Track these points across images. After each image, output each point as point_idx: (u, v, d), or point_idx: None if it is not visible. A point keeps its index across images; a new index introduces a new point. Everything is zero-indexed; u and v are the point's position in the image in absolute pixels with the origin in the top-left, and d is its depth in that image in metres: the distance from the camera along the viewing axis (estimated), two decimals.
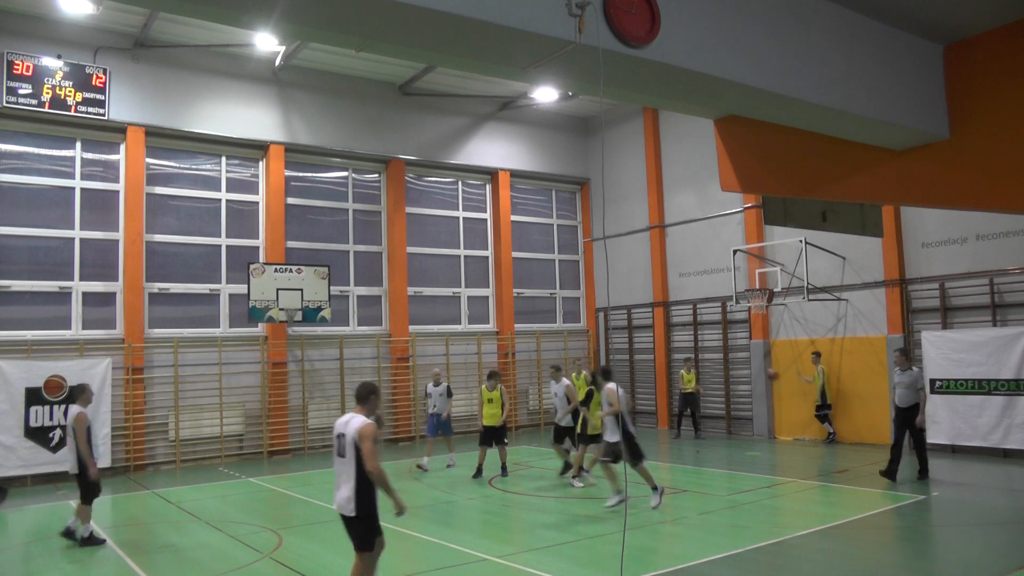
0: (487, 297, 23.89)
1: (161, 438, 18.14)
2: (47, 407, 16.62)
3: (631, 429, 12.25)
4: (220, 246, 19.61)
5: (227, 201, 19.83)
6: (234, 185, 19.98)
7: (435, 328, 22.47)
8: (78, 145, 18.18)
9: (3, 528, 12.03)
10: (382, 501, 7.14)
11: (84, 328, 17.88)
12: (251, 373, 19.20)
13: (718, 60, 7.31)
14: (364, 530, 7.14)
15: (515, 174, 24.36)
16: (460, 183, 23.74)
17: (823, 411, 18.68)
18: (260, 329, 19.59)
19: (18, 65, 16.77)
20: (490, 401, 15.50)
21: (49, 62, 17.07)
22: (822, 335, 19.17)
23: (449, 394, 16.73)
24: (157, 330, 18.53)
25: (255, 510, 13.17)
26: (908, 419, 13.53)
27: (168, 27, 18.08)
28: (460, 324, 23.25)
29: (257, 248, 20.01)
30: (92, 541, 10.78)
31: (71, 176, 18.10)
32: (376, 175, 22.12)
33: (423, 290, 22.49)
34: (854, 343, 18.41)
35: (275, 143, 20.03)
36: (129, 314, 17.99)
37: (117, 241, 18.33)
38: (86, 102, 17.47)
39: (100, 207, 18.34)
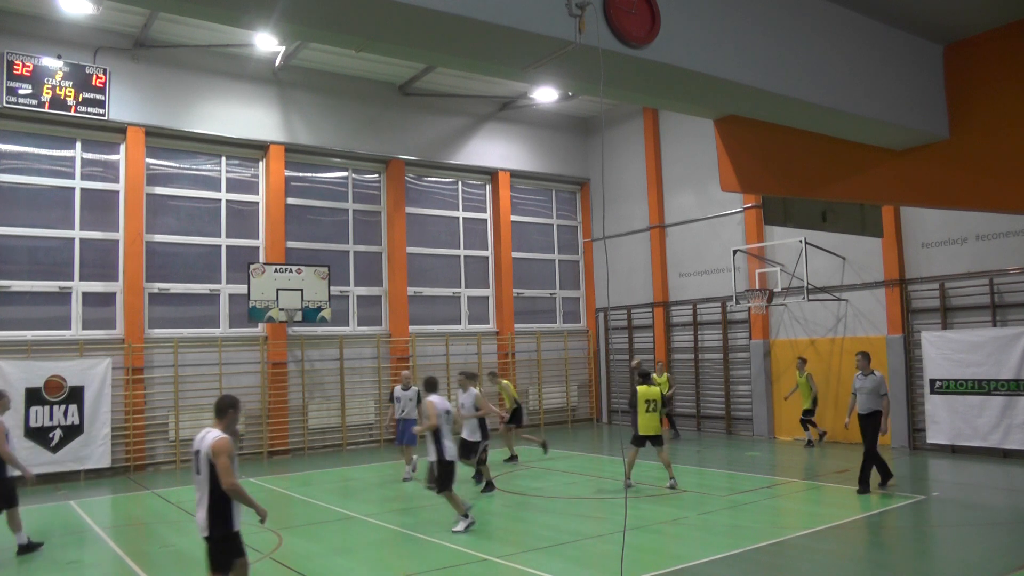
0: (487, 297, 23.89)
1: (161, 438, 18.14)
2: (47, 407, 16.62)
3: (446, 452, 10.97)
4: (220, 246, 19.62)
5: (227, 201, 19.84)
6: (234, 185, 19.98)
7: (435, 328, 22.47)
8: (78, 145, 18.19)
9: (3, 527, 11.99)
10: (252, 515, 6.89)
11: (84, 328, 17.89)
12: (251, 373, 19.20)
13: (718, 60, 7.31)
14: (218, 552, 6.73)
15: (515, 174, 24.37)
16: (460, 183, 23.75)
17: (808, 416, 18.37)
18: (260, 329, 19.59)
19: (18, 65, 16.78)
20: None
21: (49, 62, 17.07)
22: (822, 335, 19.17)
23: (420, 399, 14.71)
24: (157, 330, 18.53)
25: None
26: (871, 426, 12.58)
27: (168, 27, 18.08)
28: (460, 324, 23.25)
29: (257, 248, 20.02)
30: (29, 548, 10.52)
31: (71, 176, 18.11)
32: (376, 175, 22.12)
33: (423, 290, 22.49)
34: (854, 343, 18.39)
35: (275, 143, 20.03)
36: (129, 314, 17.99)
37: (117, 241, 18.33)
38: (86, 102, 17.48)
39: (100, 207, 18.35)
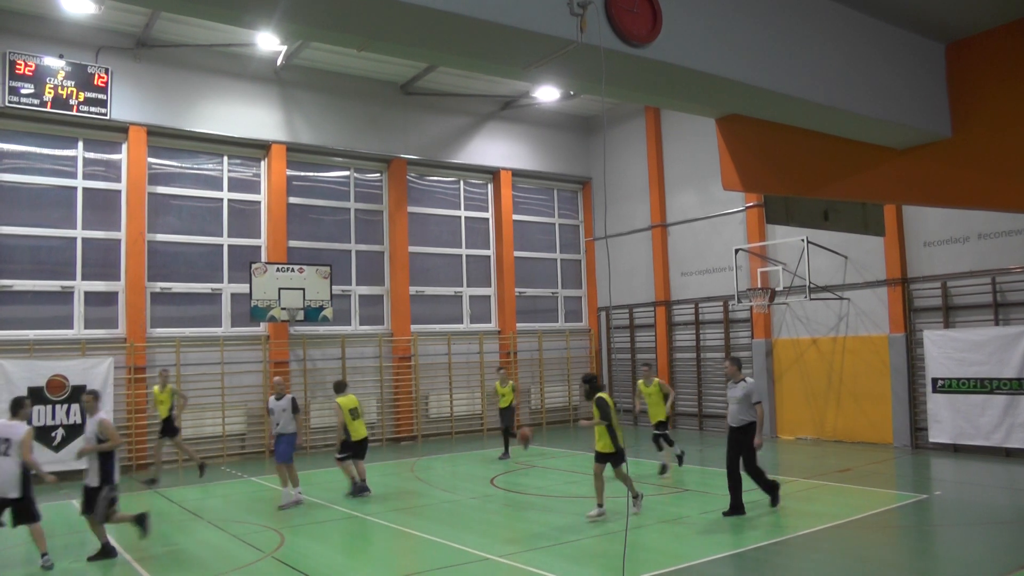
0: (489, 296, 23.89)
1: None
2: (50, 406, 16.64)
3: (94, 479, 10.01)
4: (222, 245, 19.64)
5: (229, 200, 19.86)
6: (236, 184, 20.00)
7: (437, 327, 22.48)
8: (80, 145, 18.22)
9: (9, 526, 12.01)
10: None
11: (86, 328, 17.92)
12: (253, 372, 19.21)
13: (719, 59, 7.31)
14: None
15: (517, 173, 24.36)
16: (462, 182, 23.75)
17: (662, 430, 15.03)
18: (262, 328, 19.60)
19: (20, 65, 16.79)
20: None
21: (51, 62, 17.08)
22: (824, 334, 19.16)
23: (296, 409, 13.39)
24: (159, 329, 18.55)
25: (257, 509, 13.16)
26: (741, 441, 11.32)
27: (170, 27, 18.10)
28: (462, 323, 23.25)
29: (259, 247, 20.02)
30: None
31: (73, 176, 18.14)
32: (378, 174, 22.13)
33: (425, 289, 22.50)
34: (856, 342, 18.40)
35: (277, 142, 20.05)
36: (131, 314, 18.02)
37: (119, 240, 18.34)
38: (88, 102, 17.49)
39: (102, 207, 18.37)
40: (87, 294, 17.99)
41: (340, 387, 14.29)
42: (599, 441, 11.25)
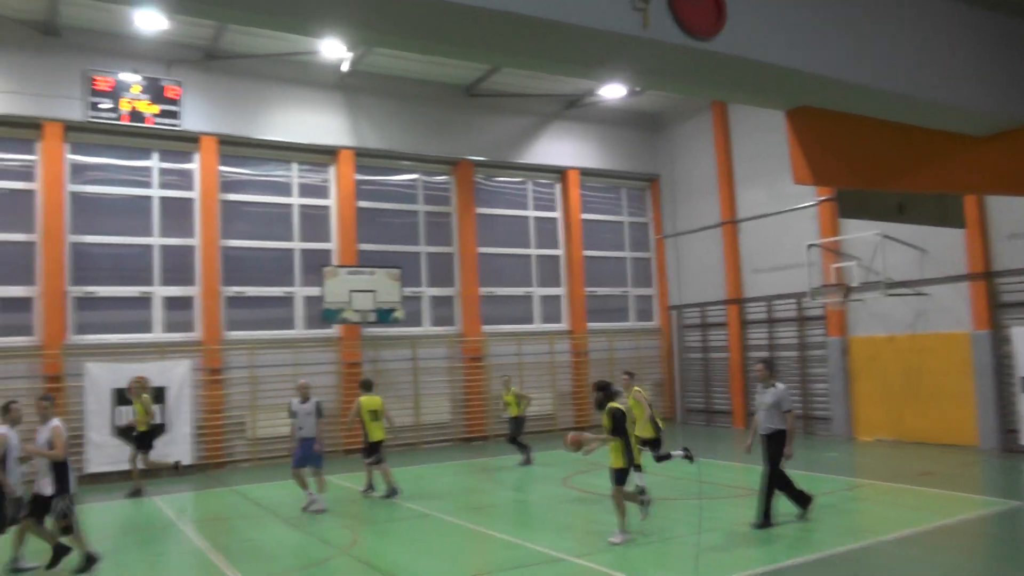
0: (559, 296, 23.79)
1: (239, 436, 18.57)
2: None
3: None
4: (293, 250, 20.04)
5: (299, 206, 20.25)
6: (305, 190, 20.40)
7: (508, 328, 22.48)
8: (155, 155, 18.85)
9: (93, 521, 12.48)
10: None
11: (165, 331, 18.47)
12: (327, 373, 19.50)
13: (787, 50, 7.12)
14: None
15: (584, 172, 24.21)
16: (529, 183, 23.73)
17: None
18: (334, 330, 19.90)
19: (99, 81, 17.40)
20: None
21: (127, 77, 17.62)
22: (901, 331, 18.57)
23: (319, 413, 13.14)
24: (235, 332, 19.01)
25: (331, 507, 13.33)
26: (774, 449, 10.69)
27: (237, 39, 18.57)
28: (532, 324, 23.22)
29: (330, 251, 20.33)
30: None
31: (149, 186, 18.77)
32: (445, 177, 22.28)
33: (495, 290, 22.53)
34: (935, 340, 17.78)
35: (344, 148, 20.34)
36: (207, 317, 18.53)
37: (194, 247, 18.87)
38: (162, 114, 17.98)
39: (177, 214, 18.95)
40: (165, 299, 18.56)
41: (367, 386, 14.39)
42: (612, 457, 10.22)
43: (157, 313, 18.50)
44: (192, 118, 18.51)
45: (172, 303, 18.65)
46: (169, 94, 18.08)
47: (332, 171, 20.60)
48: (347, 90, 20.54)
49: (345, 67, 20.01)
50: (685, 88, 8.47)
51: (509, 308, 22.90)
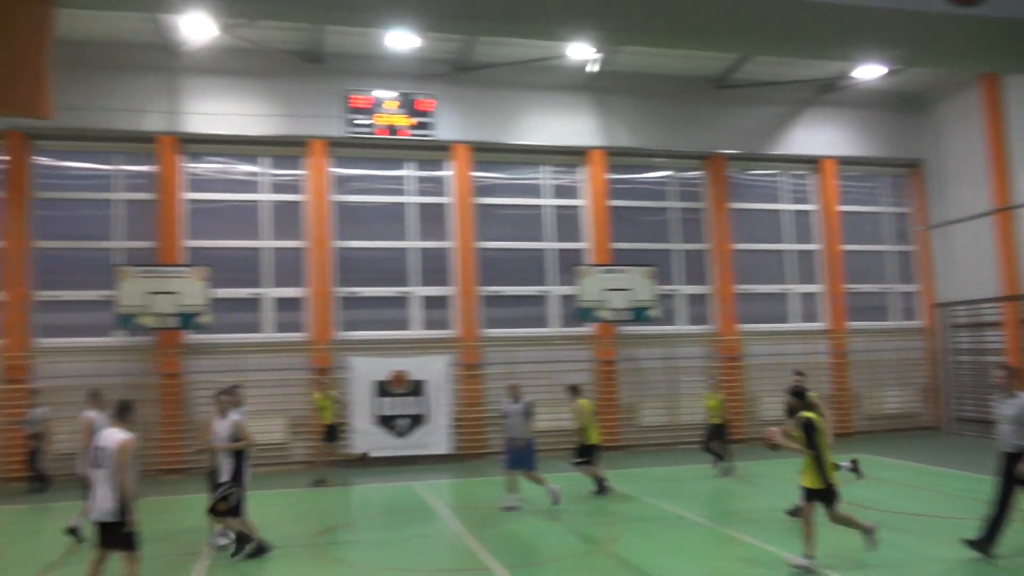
0: (817, 294, 22.43)
1: (496, 430, 18.77)
2: (394, 398, 18.37)
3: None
4: (547, 250, 20.32)
5: (551, 207, 20.51)
6: (557, 191, 20.68)
7: (764, 327, 21.45)
8: (411, 165, 19.87)
9: (357, 502, 13.20)
10: None
11: (424, 328, 19.36)
12: (581, 371, 19.44)
13: None
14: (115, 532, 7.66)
15: (841, 161, 22.69)
16: (783, 174, 22.61)
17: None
18: (589, 328, 19.87)
19: (357, 99, 18.79)
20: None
21: (381, 93, 18.94)
22: None
23: (529, 414, 13.00)
24: (492, 330, 19.50)
25: (587, 502, 13.27)
26: (1011, 472, 9.00)
27: (486, 50, 19.19)
28: (789, 322, 22.03)
29: (583, 251, 20.37)
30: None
31: (406, 193, 19.80)
32: (697, 172, 21.71)
33: (751, 287, 21.56)
34: None
35: (595, 148, 20.36)
36: (464, 315, 19.21)
37: (451, 249, 19.57)
38: (416, 126, 19.09)
39: (433, 219, 19.85)
40: (424, 298, 19.46)
41: (578, 391, 14.14)
42: (804, 474, 9.02)
43: (415, 311, 19.45)
44: (445, 128, 19.39)
45: (430, 302, 19.56)
46: (422, 107, 19.14)
47: (583, 171, 20.68)
48: (595, 90, 20.53)
49: (592, 68, 20.00)
50: (951, 61, 7.54)
51: (765, 306, 21.84)
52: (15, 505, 14.84)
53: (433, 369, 18.45)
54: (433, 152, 19.77)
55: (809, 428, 8.90)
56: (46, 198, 18.51)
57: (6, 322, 17.80)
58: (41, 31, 12.34)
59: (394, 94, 18.99)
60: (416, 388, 18.33)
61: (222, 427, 10.30)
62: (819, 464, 8.87)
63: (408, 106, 19.03)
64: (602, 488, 13.81)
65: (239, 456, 10.26)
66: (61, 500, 14.19)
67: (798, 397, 9.56)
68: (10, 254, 17.90)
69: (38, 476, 16.08)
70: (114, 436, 7.84)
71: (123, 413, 8.05)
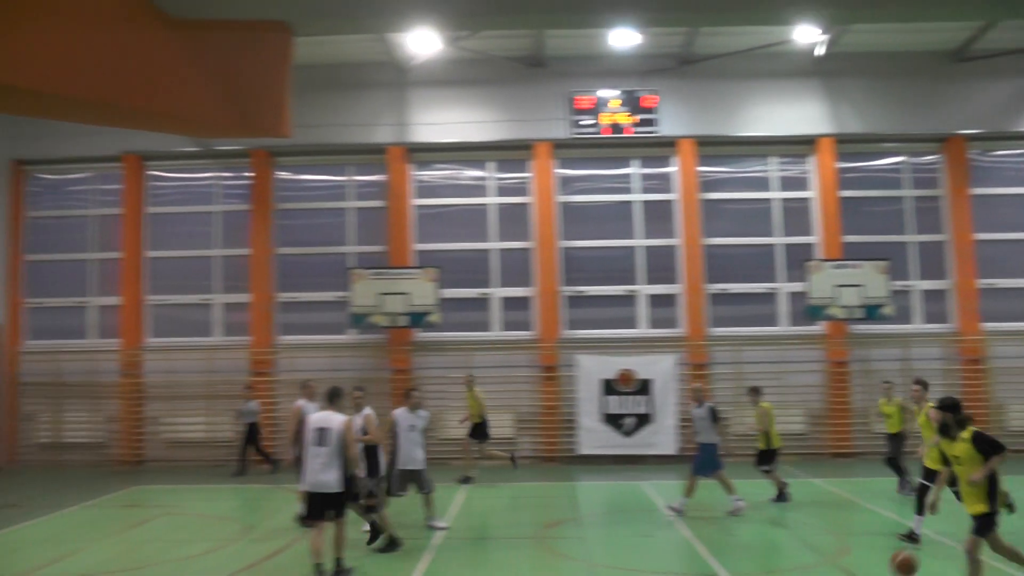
0: None
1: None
2: (620, 397, 18.46)
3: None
4: (775, 245, 19.72)
5: (778, 200, 19.89)
6: (785, 183, 20.01)
7: (1012, 325, 19.47)
8: (635, 163, 19.88)
9: (583, 498, 13.44)
10: None
11: (650, 327, 19.34)
12: (812, 372, 18.80)
13: None
14: (337, 503, 9.05)
15: None
16: None
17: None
18: (820, 327, 19.12)
19: (580, 100, 19.04)
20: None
21: (605, 93, 19.09)
22: None
23: (714, 418, 12.69)
24: (719, 329, 19.26)
25: (816, 512, 12.93)
26: None
27: (708, 40, 18.84)
28: None
29: (813, 245, 19.61)
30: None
31: (630, 191, 19.85)
32: (933, 156, 20.19)
33: (995, 282, 19.74)
34: None
35: (824, 136, 19.50)
36: (691, 314, 19.04)
37: (676, 247, 19.43)
38: (640, 123, 19.09)
39: (658, 216, 19.78)
40: (649, 297, 19.44)
41: (760, 393, 13.95)
42: (972, 499, 7.87)
43: (642, 310, 19.48)
44: (669, 123, 19.29)
45: (656, 300, 19.51)
46: (646, 104, 19.12)
47: (811, 161, 19.86)
48: (823, 75, 19.60)
49: (819, 51, 19.12)
50: None
51: (1012, 302, 19.87)
52: (252, 484, 16.67)
53: (659, 368, 18.39)
54: (657, 149, 19.71)
55: (989, 446, 7.79)
56: (286, 209, 20.35)
57: (252, 321, 19.71)
58: (281, 60, 13.43)
59: (617, 92, 19.07)
60: (643, 387, 18.38)
61: (355, 422, 10.67)
62: (992, 486, 7.82)
63: (631, 104, 19.06)
64: (782, 495, 13.47)
65: (373, 451, 10.86)
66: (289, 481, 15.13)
67: (952, 410, 8.19)
68: (255, 260, 19.85)
69: (265, 459, 17.91)
70: (334, 418, 9.14)
71: (334, 398, 9.34)
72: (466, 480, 15.88)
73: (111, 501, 15.23)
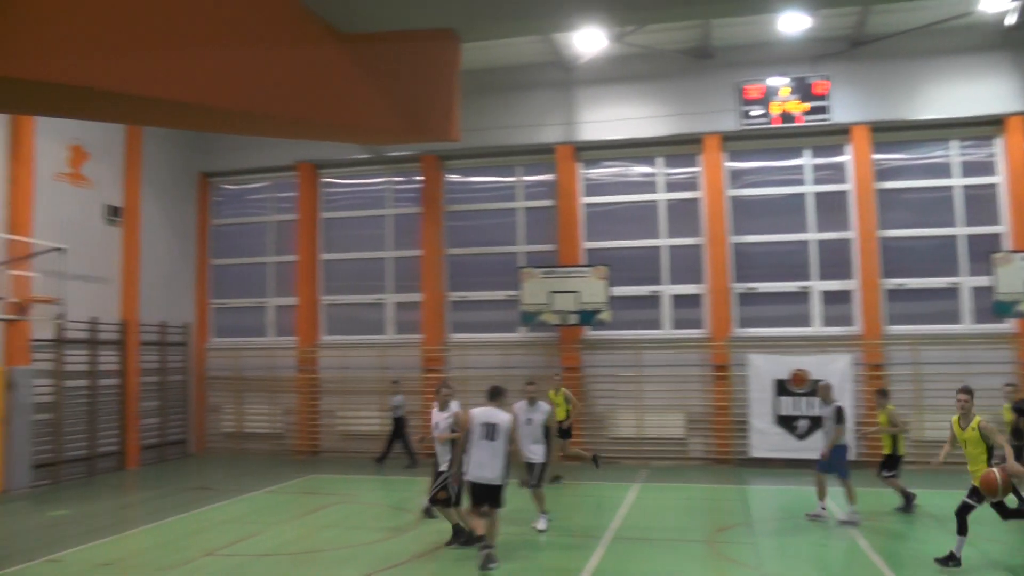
0: None
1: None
2: (793, 398, 18.03)
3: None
4: (957, 236, 18.51)
5: (960, 187, 18.63)
6: (968, 169, 18.67)
7: None
8: (807, 153, 19.18)
9: (755, 502, 13.40)
10: None
11: (823, 325, 18.73)
12: (997, 374, 17.48)
13: None
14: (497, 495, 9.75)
15: None
16: None
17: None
18: (1009, 325, 17.82)
19: (749, 90, 18.53)
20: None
21: (775, 81, 18.45)
22: None
23: (839, 419, 12.40)
24: (896, 327, 18.38)
25: (999, 525, 12.06)
26: None
27: (881, 19, 17.84)
28: None
29: (1000, 235, 18.28)
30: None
31: (802, 183, 19.18)
32: None
33: None
34: None
35: (1013, 115, 18.02)
36: (866, 311, 18.28)
37: (851, 239, 18.69)
38: (811, 111, 18.41)
39: (832, 208, 19.02)
40: (823, 293, 18.80)
41: (887, 395, 13.37)
42: None
43: (815, 307, 18.84)
44: (841, 110, 18.48)
45: (830, 297, 18.81)
46: (817, 90, 18.42)
47: (999, 143, 18.39)
48: (1012, 46, 17.99)
49: (1010, 20, 17.61)
50: None
51: None
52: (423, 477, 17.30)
53: (834, 368, 17.68)
54: (829, 137, 18.88)
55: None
56: (455, 211, 21.01)
57: (424, 320, 20.59)
58: (449, 67, 13.79)
59: (787, 80, 18.43)
60: (816, 388, 17.83)
61: (442, 419, 11.20)
62: None
63: (802, 91, 18.39)
64: (909, 505, 12.94)
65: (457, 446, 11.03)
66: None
67: None
68: (427, 261, 20.67)
69: (408, 453, 18.81)
70: (500, 414, 9.85)
71: (496, 395, 10.07)
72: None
73: (290, 488, 16.57)
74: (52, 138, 17.61)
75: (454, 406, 11.33)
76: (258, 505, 14.75)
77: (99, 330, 18.84)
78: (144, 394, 20.12)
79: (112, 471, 18.83)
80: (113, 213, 19.36)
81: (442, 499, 10.93)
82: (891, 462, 13.22)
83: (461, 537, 10.86)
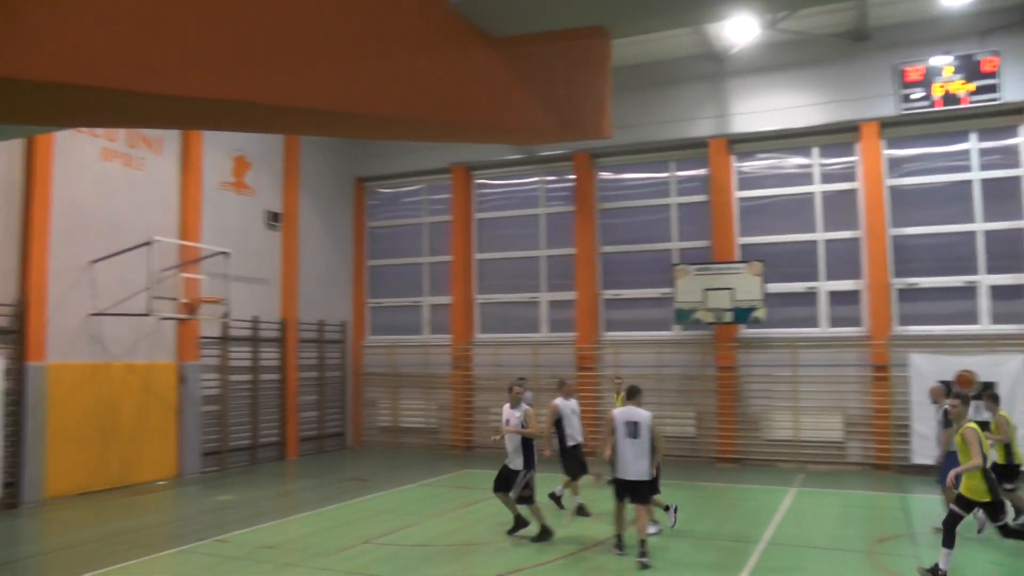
0: None
1: None
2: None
3: None
4: None
5: None
6: None
7: None
8: (973, 137, 17.82)
9: (917, 512, 12.57)
10: None
11: (992, 323, 17.40)
12: None
13: None
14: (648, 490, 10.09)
15: None
16: None
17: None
18: None
19: (909, 72, 17.31)
20: None
21: (937, 61, 17.11)
22: None
23: (946, 423, 11.30)
24: None
25: None
26: None
27: None
28: None
29: None
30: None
31: (967, 169, 17.84)
32: None
33: None
34: None
35: None
36: None
37: (1022, 230, 17.29)
38: (977, 91, 16.93)
39: (1001, 195, 17.56)
40: (991, 288, 17.46)
41: (998, 399, 11.98)
42: None
43: (983, 303, 17.49)
44: (1012, 88, 16.91)
45: (999, 292, 17.39)
46: (985, 68, 16.92)
47: None
48: None
49: None
50: None
51: None
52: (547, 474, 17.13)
53: (1005, 370, 16.29)
54: (999, 118, 17.39)
55: None
56: (608, 208, 20.91)
57: (577, 318, 20.63)
58: (600, 64, 13.75)
59: (950, 58, 17.03)
60: (984, 390, 16.66)
61: (513, 416, 11.28)
62: None
63: (967, 70, 16.94)
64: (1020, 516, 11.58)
65: (529, 444, 11.19)
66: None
67: None
68: (581, 259, 20.69)
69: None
70: (641, 412, 10.11)
71: (635, 395, 10.34)
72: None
73: (443, 482, 16.95)
74: (218, 150, 18.86)
75: (526, 404, 11.45)
76: (413, 497, 15.19)
77: (261, 328, 20.01)
78: (303, 388, 21.23)
79: (273, 460, 19.97)
80: (273, 219, 20.52)
81: (527, 497, 11.13)
82: (1007, 473, 11.49)
83: (522, 526, 11.32)
